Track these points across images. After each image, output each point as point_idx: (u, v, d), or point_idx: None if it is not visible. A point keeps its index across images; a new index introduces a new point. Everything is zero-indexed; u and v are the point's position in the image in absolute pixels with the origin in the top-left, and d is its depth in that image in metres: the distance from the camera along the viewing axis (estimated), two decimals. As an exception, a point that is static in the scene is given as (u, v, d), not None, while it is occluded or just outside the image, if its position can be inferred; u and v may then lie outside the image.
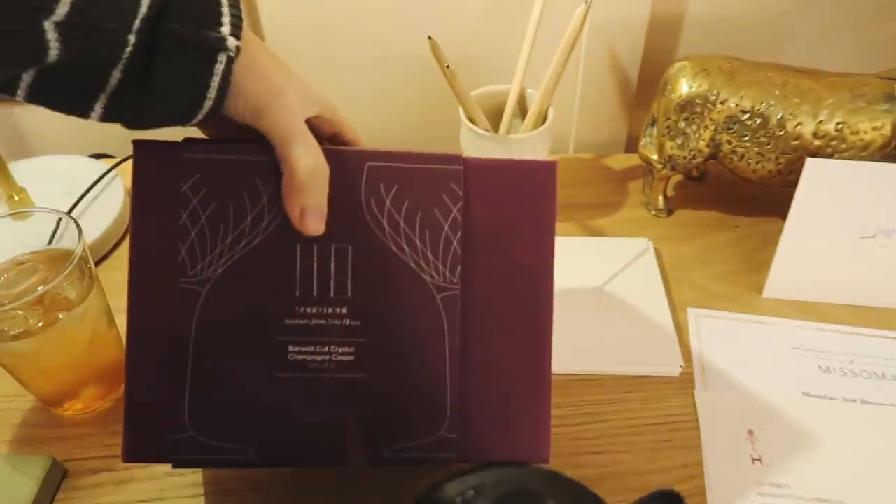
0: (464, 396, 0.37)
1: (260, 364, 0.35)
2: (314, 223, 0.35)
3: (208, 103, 0.33)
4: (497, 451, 0.37)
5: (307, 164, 0.34)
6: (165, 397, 0.35)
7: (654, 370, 0.52)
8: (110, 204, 0.64)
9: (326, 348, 0.36)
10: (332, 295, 0.36)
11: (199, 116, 0.33)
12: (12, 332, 0.42)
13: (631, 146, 0.78)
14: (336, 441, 0.36)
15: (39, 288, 0.41)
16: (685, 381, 0.51)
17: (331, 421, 0.36)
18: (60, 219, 0.48)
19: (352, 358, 0.36)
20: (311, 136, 0.35)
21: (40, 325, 0.43)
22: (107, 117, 0.32)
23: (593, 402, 0.50)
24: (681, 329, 0.55)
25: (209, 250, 0.35)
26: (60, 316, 0.43)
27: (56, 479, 0.45)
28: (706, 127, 0.57)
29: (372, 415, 0.36)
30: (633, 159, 0.72)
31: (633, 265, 0.59)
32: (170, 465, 0.36)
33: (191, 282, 0.35)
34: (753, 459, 0.47)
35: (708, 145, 0.58)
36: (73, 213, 0.63)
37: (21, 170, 0.63)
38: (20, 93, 0.31)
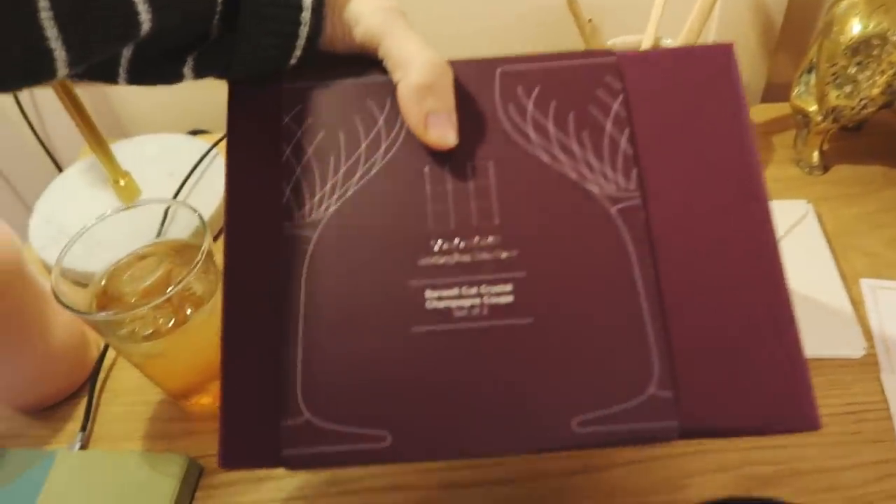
0: (672, 340, 0.27)
1: (390, 318, 0.28)
2: (444, 131, 0.29)
3: (304, 30, 0.29)
4: (739, 417, 0.26)
5: (427, 58, 0.29)
6: (273, 374, 0.28)
7: (832, 352, 0.46)
8: (214, 184, 0.62)
9: (475, 289, 0.28)
10: (474, 223, 0.29)
11: (297, 52, 0.30)
12: (143, 333, 0.40)
13: (770, 95, 0.70)
14: (504, 417, 0.26)
15: (169, 289, 0.38)
16: (866, 364, 0.45)
17: (494, 388, 0.27)
18: (169, 207, 0.45)
19: (510, 299, 0.28)
20: (423, 40, 0.30)
21: (171, 323, 0.40)
22: (199, 73, 0.30)
23: (762, 389, 0.45)
24: (855, 304, 0.49)
25: (318, 187, 0.29)
26: (189, 312, 0.41)
27: (194, 478, 0.43)
28: (883, 72, 0.49)
29: (547, 373, 0.27)
30: (776, 109, 0.64)
31: (792, 232, 0.52)
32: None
33: (298, 226, 0.29)
34: (962, 455, 0.41)
35: (884, 93, 0.51)
36: (179, 197, 0.60)
37: (121, 152, 0.61)
38: (121, 74, 0.28)
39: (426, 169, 0.30)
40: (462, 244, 0.29)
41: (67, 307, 0.38)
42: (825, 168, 0.58)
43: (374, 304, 0.28)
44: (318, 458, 0.27)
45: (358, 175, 0.30)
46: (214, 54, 0.29)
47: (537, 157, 0.29)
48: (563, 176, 0.29)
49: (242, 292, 0.29)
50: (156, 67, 0.29)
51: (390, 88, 0.30)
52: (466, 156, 0.30)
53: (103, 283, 0.43)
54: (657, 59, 0.31)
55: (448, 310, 0.28)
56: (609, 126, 0.29)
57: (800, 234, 0.52)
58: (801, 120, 0.57)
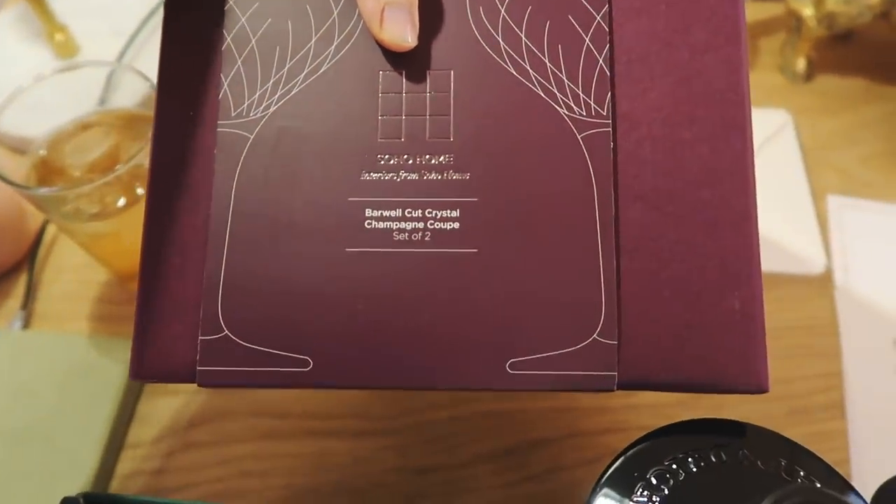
0: (624, 285, 0.25)
1: (324, 235, 0.26)
2: (401, 29, 0.26)
3: None
4: (684, 373, 0.25)
5: None
6: (193, 284, 0.26)
7: (792, 268, 0.46)
8: (164, 46, 0.56)
9: (420, 212, 0.26)
10: (427, 138, 0.26)
11: None
12: (90, 212, 0.37)
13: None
14: (435, 350, 0.25)
15: (119, 167, 0.35)
16: (825, 281, 0.46)
17: (426, 319, 0.25)
18: (114, 70, 0.41)
19: (456, 225, 0.26)
20: None
21: (121, 203, 0.37)
22: None
23: (721, 299, 0.45)
24: (821, 220, 0.49)
25: (260, 83, 0.27)
26: (139, 192, 0.38)
27: (144, 363, 0.42)
28: (887, -21, 0.47)
29: (487, 309, 0.25)
30: (766, 9, 0.61)
31: (769, 143, 0.51)
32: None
33: (234, 125, 0.27)
34: (899, 372, 0.43)
35: (883, 2, 0.48)
36: (124, 59, 0.55)
37: (56, 1, 0.54)
38: None
39: (380, 73, 0.27)
40: (411, 161, 0.26)
41: (5, 180, 0.34)
42: (809, 77, 0.57)
43: (309, 218, 0.26)
44: (234, 377, 0.25)
45: (305, 72, 0.27)
46: None
47: (504, 69, 0.26)
48: (530, 93, 0.26)
49: (168, 191, 0.26)
50: None
51: None
52: (427, 61, 0.27)
53: (43, 152, 0.39)
54: None
55: (388, 231, 0.26)
56: (588, 40, 0.26)
57: (776, 144, 0.51)
58: (793, 23, 0.55)
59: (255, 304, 0.25)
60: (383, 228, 0.26)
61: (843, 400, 0.42)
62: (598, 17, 0.26)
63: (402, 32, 0.26)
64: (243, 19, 0.27)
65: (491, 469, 0.39)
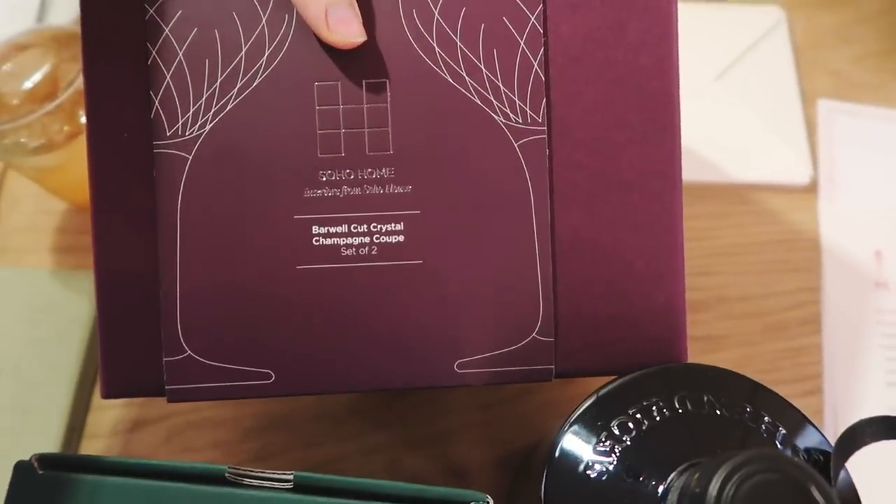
0: (560, 285, 0.27)
1: (275, 255, 0.26)
2: (348, 26, 0.25)
3: None
4: (612, 359, 0.27)
5: None
6: (152, 307, 0.26)
7: (777, 178, 0.45)
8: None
9: (365, 226, 0.26)
10: (367, 152, 0.26)
11: None
12: (32, 145, 0.35)
13: None
14: (388, 356, 0.27)
15: (62, 93, 0.32)
16: (809, 192, 0.45)
17: (379, 328, 0.27)
18: None
19: (401, 238, 0.27)
20: None
21: (65, 130, 0.35)
22: None
23: (701, 215, 0.44)
24: (811, 126, 0.47)
25: (192, 100, 0.26)
26: (84, 119, 0.36)
27: (111, 295, 0.41)
28: None
29: (434, 316, 0.27)
30: None
31: (759, 43, 0.48)
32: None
33: (171, 145, 0.26)
34: (877, 284, 0.42)
35: None
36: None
37: None
38: None
39: (316, 84, 0.26)
40: (353, 175, 0.27)
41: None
42: (806, -34, 0.53)
43: (257, 238, 0.26)
44: (201, 393, 0.27)
45: (238, 86, 0.26)
46: None
47: (440, 76, 0.26)
48: (467, 101, 0.26)
49: (112, 221, 0.26)
50: None
51: None
52: (362, 71, 0.26)
53: (-25, 80, 0.36)
54: None
55: (336, 247, 0.27)
56: (522, 44, 0.26)
57: (766, 44, 0.48)
58: None
59: (214, 323, 0.26)
60: (331, 245, 0.26)
61: (820, 314, 0.42)
62: (533, 18, 0.26)
63: (351, 30, 0.25)
64: (167, 30, 0.26)
65: (466, 392, 0.39)
